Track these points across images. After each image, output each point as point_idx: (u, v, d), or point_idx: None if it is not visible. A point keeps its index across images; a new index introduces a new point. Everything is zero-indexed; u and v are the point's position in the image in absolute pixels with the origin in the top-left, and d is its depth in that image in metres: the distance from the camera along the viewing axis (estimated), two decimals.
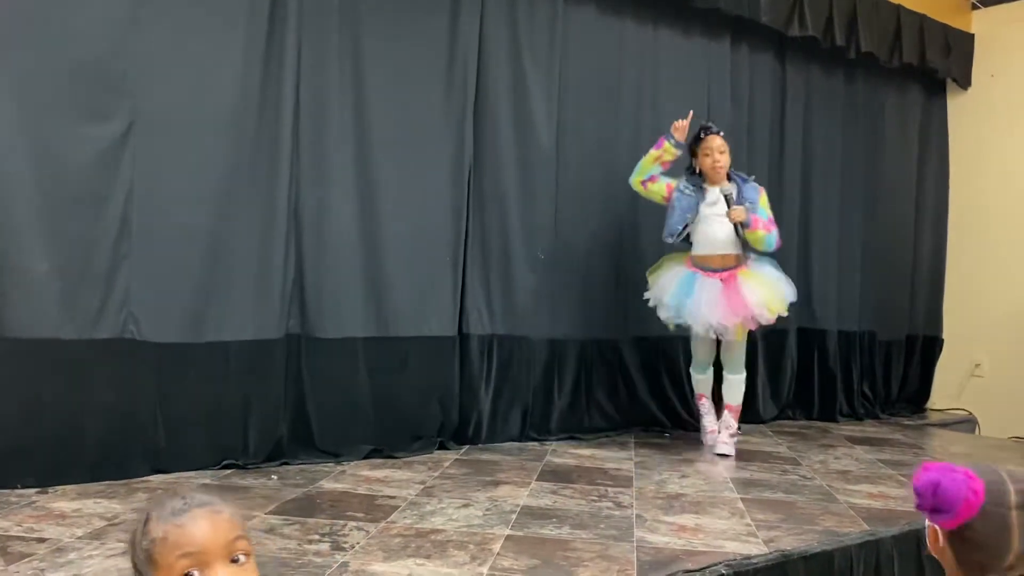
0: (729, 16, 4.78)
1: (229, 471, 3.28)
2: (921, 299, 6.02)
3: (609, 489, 3.31)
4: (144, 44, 3.12)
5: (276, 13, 3.43)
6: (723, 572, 2.39)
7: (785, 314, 4.07)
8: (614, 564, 2.39)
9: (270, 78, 3.43)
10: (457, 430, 3.98)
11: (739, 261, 3.99)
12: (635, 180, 4.08)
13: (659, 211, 4.17)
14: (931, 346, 6.06)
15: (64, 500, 2.78)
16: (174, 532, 1.10)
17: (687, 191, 4.02)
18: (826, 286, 5.42)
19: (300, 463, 3.44)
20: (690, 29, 4.78)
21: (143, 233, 3.14)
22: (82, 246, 3.03)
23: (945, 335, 6.10)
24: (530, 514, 2.88)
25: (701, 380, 4.25)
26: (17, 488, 2.85)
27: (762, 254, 4.05)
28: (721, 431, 4.13)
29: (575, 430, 4.32)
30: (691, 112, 4.03)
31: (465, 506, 2.94)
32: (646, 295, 4.13)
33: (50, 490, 2.88)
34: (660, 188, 4.06)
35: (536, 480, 3.39)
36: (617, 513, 2.96)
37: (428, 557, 2.37)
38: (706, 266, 3.98)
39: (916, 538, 2.88)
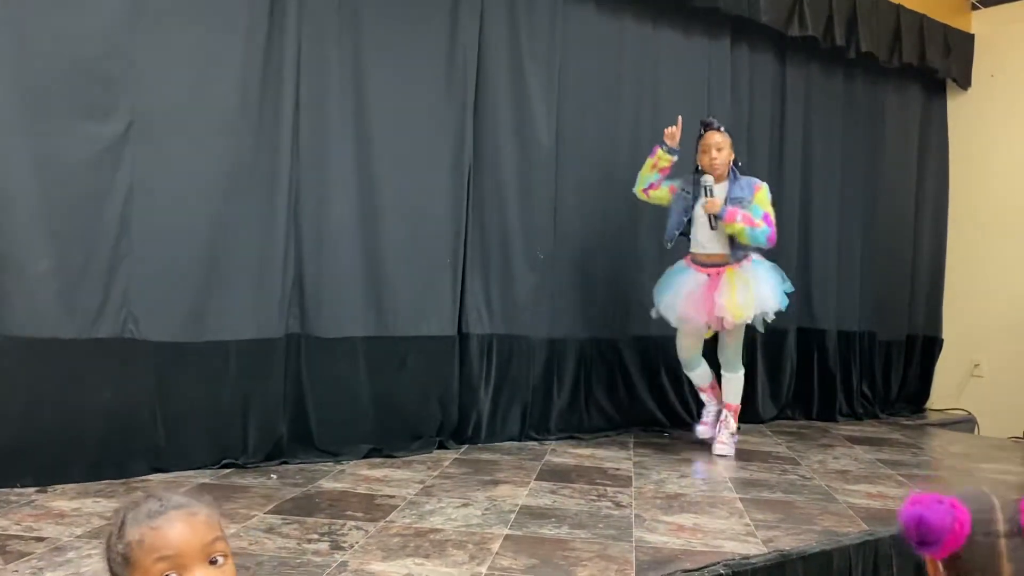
0: (729, 16, 4.79)
1: (228, 470, 3.28)
2: (921, 299, 6.02)
3: (608, 489, 3.31)
4: (144, 43, 3.12)
5: (276, 13, 3.43)
6: (722, 572, 2.39)
7: (750, 320, 3.94)
8: (613, 564, 2.39)
9: (270, 78, 3.43)
10: (456, 429, 3.98)
11: (728, 259, 3.92)
12: (637, 190, 4.07)
13: (658, 210, 4.18)
14: (931, 346, 6.06)
15: (63, 499, 2.78)
16: (150, 535, 1.09)
17: (685, 192, 3.99)
18: (826, 286, 5.42)
19: (299, 462, 3.44)
20: (690, 29, 4.78)
21: (142, 232, 3.14)
22: (82, 245, 3.03)
23: (945, 335, 6.10)
24: (529, 514, 2.88)
25: (696, 375, 4.21)
26: (16, 487, 2.85)
27: (757, 250, 3.98)
28: (721, 431, 4.11)
29: (574, 430, 4.32)
30: (680, 118, 3.98)
31: (464, 506, 2.94)
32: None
33: (49, 489, 2.88)
34: (662, 193, 4.04)
35: (535, 480, 3.39)
36: (616, 513, 2.96)
37: (427, 556, 2.38)
38: (698, 262, 3.98)
39: None
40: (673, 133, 3.96)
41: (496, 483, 3.30)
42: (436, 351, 3.89)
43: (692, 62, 4.79)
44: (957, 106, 6.16)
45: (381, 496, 3.02)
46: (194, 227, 3.27)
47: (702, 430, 4.19)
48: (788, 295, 4.02)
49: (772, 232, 3.91)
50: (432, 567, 2.30)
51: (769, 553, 2.54)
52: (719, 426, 4.15)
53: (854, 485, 3.54)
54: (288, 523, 2.64)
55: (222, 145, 3.33)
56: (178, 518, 1.11)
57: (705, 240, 3.95)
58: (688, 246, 4.06)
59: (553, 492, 3.21)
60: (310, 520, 2.68)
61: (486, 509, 2.91)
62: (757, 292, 3.90)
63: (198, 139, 3.26)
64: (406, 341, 3.79)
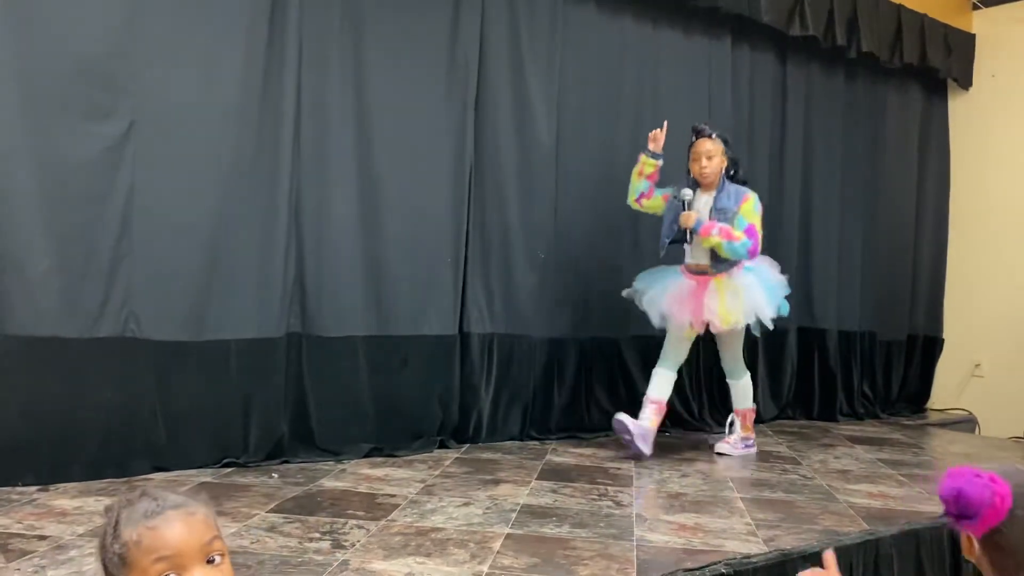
0: (730, 15, 4.79)
1: (229, 469, 3.28)
2: (921, 299, 6.02)
3: (609, 488, 3.31)
4: (145, 43, 3.12)
5: (277, 13, 3.43)
6: (723, 571, 2.39)
7: (742, 325, 3.85)
8: (614, 563, 2.39)
9: (271, 77, 3.43)
10: (457, 429, 3.98)
11: (714, 270, 3.83)
12: (630, 200, 3.98)
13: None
14: (931, 346, 6.06)
15: (65, 498, 2.79)
16: (148, 535, 1.08)
17: (676, 200, 3.88)
18: (826, 286, 5.42)
19: (300, 461, 3.44)
20: (691, 28, 4.78)
21: (144, 231, 3.15)
22: (83, 244, 3.04)
23: (945, 335, 6.11)
24: (530, 513, 2.88)
25: (657, 374, 3.96)
26: (18, 486, 2.85)
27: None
28: (730, 435, 4.10)
29: (575, 429, 4.32)
30: (665, 123, 3.93)
31: (465, 504, 2.94)
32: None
33: (51, 488, 2.88)
34: (656, 203, 3.96)
35: (536, 479, 3.39)
36: (617, 512, 2.96)
37: (428, 555, 2.38)
38: (689, 270, 3.92)
39: (915, 538, 2.89)
40: (656, 136, 3.88)
41: (497, 482, 3.30)
42: (437, 350, 3.89)
43: (693, 62, 4.79)
44: (958, 106, 6.16)
45: (382, 495, 3.02)
46: (195, 226, 3.27)
47: (624, 416, 3.85)
48: (787, 297, 3.93)
49: (754, 245, 3.77)
50: (433, 566, 2.30)
51: (770, 552, 2.54)
52: (730, 431, 4.11)
53: (855, 485, 3.54)
54: (289, 522, 2.64)
55: (223, 144, 3.33)
56: (176, 518, 1.10)
57: (692, 251, 3.89)
58: (683, 255, 4.00)
59: (554, 491, 3.21)
60: (311, 519, 2.68)
61: (487, 508, 2.91)
62: (748, 299, 3.81)
63: (199, 138, 3.26)
64: (407, 340, 3.80)
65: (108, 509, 1.13)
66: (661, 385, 3.95)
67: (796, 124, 5.30)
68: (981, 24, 6.15)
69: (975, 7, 6.15)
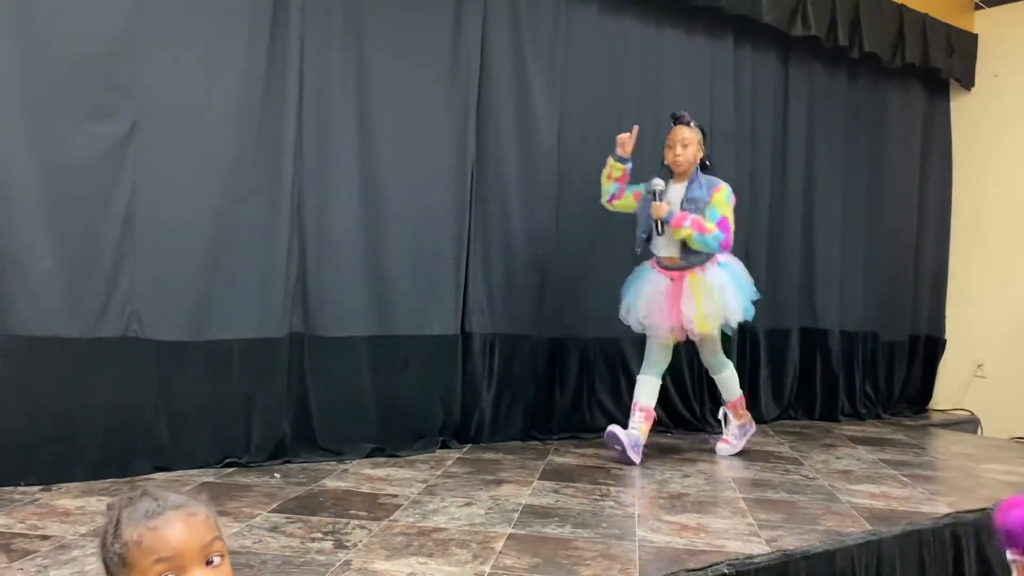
0: (732, 16, 4.79)
1: (231, 469, 3.29)
2: (924, 299, 6.02)
3: (611, 488, 3.31)
4: (148, 42, 3.13)
5: (279, 13, 3.44)
6: (725, 571, 2.39)
7: (716, 331, 3.82)
8: (616, 563, 2.39)
9: (273, 77, 3.43)
10: (459, 429, 3.98)
11: (686, 262, 3.75)
12: (603, 201, 3.93)
13: None
14: (934, 346, 6.05)
15: (67, 498, 2.79)
16: (148, 536, 1.08)
17: (649, 195, 3.79)
18: (828, 286, 5.42)
19: (302, 461, 3.44)
20: (692, 28, 4.78)
21: (146, 231, 3.15)
22: (85, 244, 3.04)
23: (948, 335, 6.10)
24: (532, 513, 2.88)
25: (643, 381, 3.88)
26: (20, 485, 2.86)
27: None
28: (726, 431, 4.10)
29: (577, 429, 4.32)
30: (635, 127, 3.87)
31: (467, 505, 2.94)
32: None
33: (53, 488, 2.89)
34: (628, 202, 3.88)
35: (538, 479, 3.39)
36: (619, 512, 2.96)
37: (430, 555, 2.38)
38: (661, 265, 3.83)
39: (918, 538, 2.89)
40: (623, 141, 3.81)
41: (499, 482, 3.30)
42: (439, 350, 3.90)
43: (695, 62, 4.79)
44: (960, 106, 6.16)
45: (384, 495, 3.03)
46: (198, 226, 3.27)
47: (616, 428, 3.77)
48: (755, 302, 3.83)
49: (726, 238, 3.69)
50: (436, 566, 2.30)
51: (772, 553, 2.54)
52: (726, 426, 4.11)
53: (857, 485, 3.54)
54: (292, 522, 2.64)
55: (226, 145, 3.33)
56: (176, 519, 1.10)
57: (663, 243, 3.79)
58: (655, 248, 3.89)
59: (556, 491, 3.21)
60: (314, 519, 2.68)
61: (489, 508, 2.91)
62: (721, 300, 3.74)
63: (202, 139, 3.27)
64: (409, 340, 3.80)
65: (109, 508, 1.14)
66: (648, 392, 3.87)
67: (798, 124, 5.30)
68: (983, 24, 6.14)
69: (977, 7, 6.14)
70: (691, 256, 3.75)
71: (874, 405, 5.62)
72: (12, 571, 2.13)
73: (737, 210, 5.08)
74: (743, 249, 4.98)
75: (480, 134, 4.02)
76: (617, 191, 3.89)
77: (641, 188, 3.88)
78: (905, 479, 3.71)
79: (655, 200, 3.73)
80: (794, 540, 2.67)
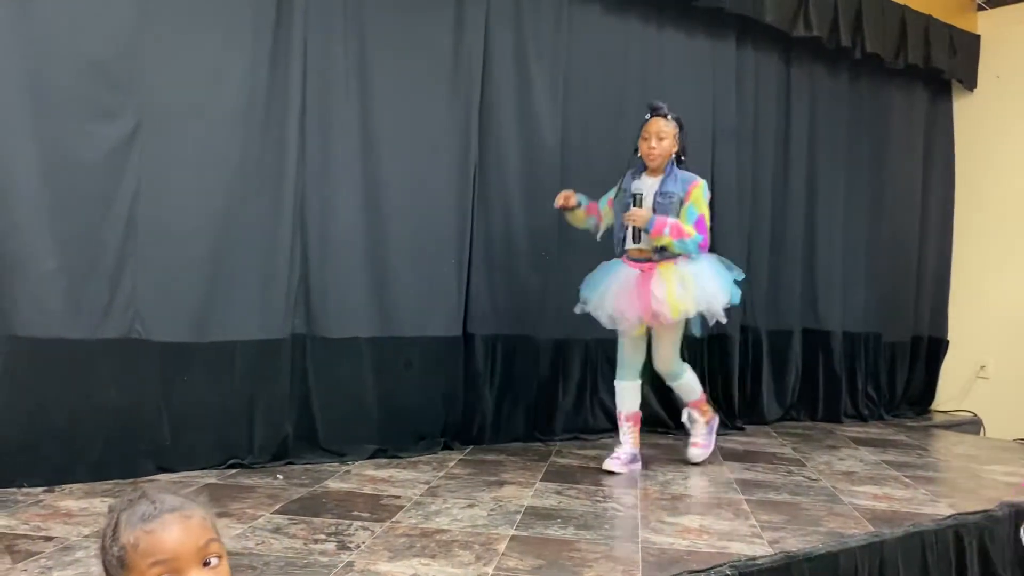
0: (734, 16, 4.78)
1: (234, 470, 3.29)
2: (926, 300, 6.01)
3: (614, 490, 3.31)
4: (151, 44, 3.13)
5: (282, 14, 3.44)
6: (728, 573, 2.39)
7: (692, 313, 3.56)
8: (619, 565, 2.39)
9: (276, 78, 3.44)
10: (461, 430, 3.98)
11: (658, 257, 3.57)
12: (597, 237, 3.81)
13: None
14: (936, 347, 6.05)
15: (71, 499, 2.79)
16: (145, 539, 1.09)
17: (627, 195, 3.63)
18: (831, 287, 5.42)
19: (305, 463, 3.44)
20: (695, 29, 4.78)
21: (149, 232, 3.15)
22: (88, 245, 3.04)
23: (950, 337, 6.09)
24: (535, 514, 2.88)
25: (623, 388, 3.73)
26: (24, 487, 2.86)
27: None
28: (693, 433, 3.86)
29: (579, 430, 4.32)
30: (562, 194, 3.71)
31: (470, 506, 2.94)
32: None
33: (56, 489, 2.89)
34: (609, 218, 3.74)
35: (541, 480, 3.39)
36: (622, 514, 2.96)
37: (433, 557, 2.38)
38: (632, 258, 3.64)
39: (920, 540, 2.89)
40: (565, 199, 3.69)
41: (501, 484, 3.30)
42: (441, 351, 3.90)
43: (697, 63, 4.79)
44: (963, 107, 6.15)
45: (387, 496, 3.03)
46: (200, 228, 3.28)
47: (611, 463, 3.62)
48: (738, 283, 3.64)
49: (704, 239, 3.56)
50: (438, 567, 2.30)
51: (775, 554, 2.54)
52: (692, 428, 3.87)
53: (859, 486, 3.54)
54: (295, 523, 2.64)
55: (228, 146, 3.33)
56: (173, 521, 1.11)
57: (640, 235, 3.60)
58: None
59: (559, 493, 3.21)
60: (316, 520, 2.69)
61: (492, 510, 2.91)
62: (699, 286, 3.53)
63: (205, 140, 3.27)
64: (411, 341, 3.80)
65: (110, 511, 1.15)
66: (630, 398, 3.74)
67: (800, 125, 5.29)
68: (986, 25, 6.14)
69: (980, 8, 6.14)
70: (664, 250, 3.58)
71: (876, 406, 5.61)
72: (16, 572, 2.13)
73: (739, 211, 5.09)
74: (745, 249, 5.00)
75: (482, 134, 4.02)
76: (596, 221, 3.78)
77: (611, 193, 3.76)
78: (908, 480, 3.70)
79: (634, 205, 3.57)
80: (797, 542, 2.67)
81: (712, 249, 4.70)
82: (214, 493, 2.89)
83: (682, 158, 3.68)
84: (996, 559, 3.06)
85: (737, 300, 3.69)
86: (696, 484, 3.47)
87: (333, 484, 3.18)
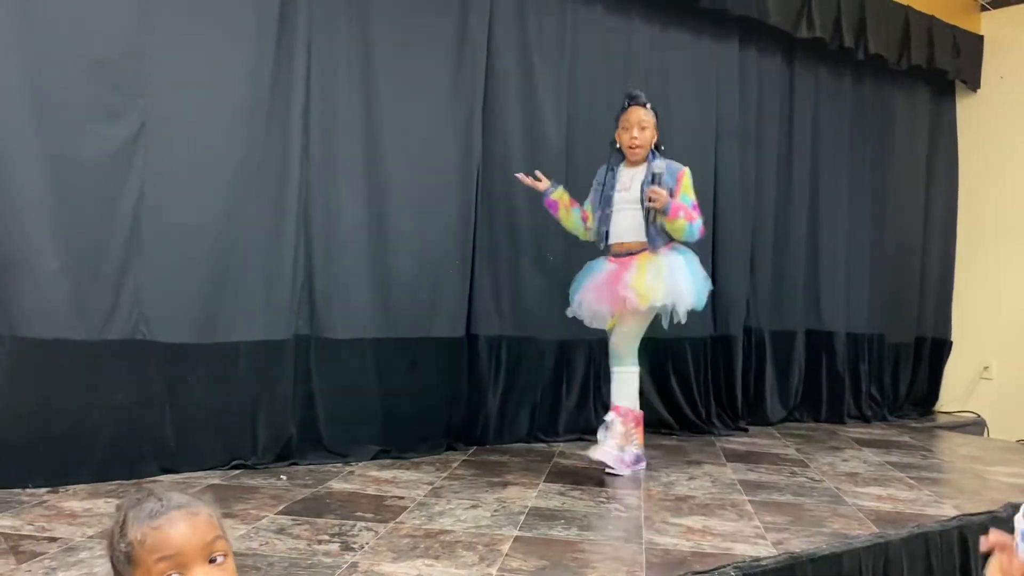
0: (737, 17, 4.78)
1: (238, 471, 3.29)
2: (930, 301, 6.01)
3: (617, 491, 3.31)
4: (156, 45, 3.14)
5: (286, 15, 3.44)
6: (732, 574, 2.39)
7: (657, 305, 3.43)
8: (623, 566, 2.39)
9: (280, 79, 3.44)
10: (465, 431, 3.98)
11: (643, 247, 3.49)
12: (592, 238, 3.72)
13: None
14: (940, 348, 6.04)
15: (75, 500, 2.80)
16: (152, 535, 1.11)
17: (598, 186, 3.60)
18: (834, 288, 5.42)
19: (309, 463, 3.45)
20: (698, 30, 4.78)
21: (153, 233, 3.16)
22: (93, 246, 3.05)
23: (954, 337, 6.09)
24: (538, 515, 2.88)
25: (616, 374, 3.59)
26: (28, 487, 2.86)
27: (683, 243, 3.56)
28: (607, 439, 3.49)
29: (583, 431, 4.31)
30: (519, 176, 3.73)
31: (473, 507, 2.94)
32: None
33: (60, 489, 2.89)
34: (576, 219, 3.69)
35: (544, 481, 3.39)
36: (625, 515, 2.96)
37: (437, 558, 2.38)
38: (615, 254, 3.57)
39: (925, 541, 2.89)
40: (533, 181, 3.68)
41: (505, 484, 3.30)
42: (445, 352, 3.90)
43: (700, 63, 4.79)
44: (966, 108, 6.15)
45: (390, 497, 3.03)
46: (204, 229, 3.28)
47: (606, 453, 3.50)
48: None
49: (701, 225, 3.49)
50: (442, 568, 2.30)
51: (779, 555, 2.54)
52: (607, 434, 3.51)
53: (863, 488, 3.53)
54: (298, 524, 2.64)
55: (232, 147, 3.34)
56: (179, 518, 1.13)
57: (622, 231, 3.52)
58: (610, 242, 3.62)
59: (562, 494, 3.21)
60: (320, 521, 2.69)
61: (495, 510, 2.91)
62: (671, 278, 3.41)
63: (209, 141, 3.28)
64: (415, 342, 3.80)
65: (118, 508, 1.17)
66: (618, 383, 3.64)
67: (804, 126, 5.29)
68: (989, 26, 6.13)
69: (983, 8, 6.14)
70: (655, 240, 3.48)
71: (880, 407, 5.61)
72: (20, 573, 2.13)
73: (742, 212, 5.09)
74: (748, 250, 5.00)
75: (486, 134, 4.02)
76: (580, 216, 3.70)
77: (590, 195, 3.70)
78: (912, 481, 3.70)
79: (653, 183, 3.41)
80: (801, 543, 2.67)
81: (714, 250, 4.79)
82: (218, 494, 2.89)
83: (661, 148, 3.59)
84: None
85: (701, 307, 3.57)
86: (699, 485, 3.46)
87: (337, 485, 3.18)
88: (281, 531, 2.56)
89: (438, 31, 3.87)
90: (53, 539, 2.39)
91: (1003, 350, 5.84)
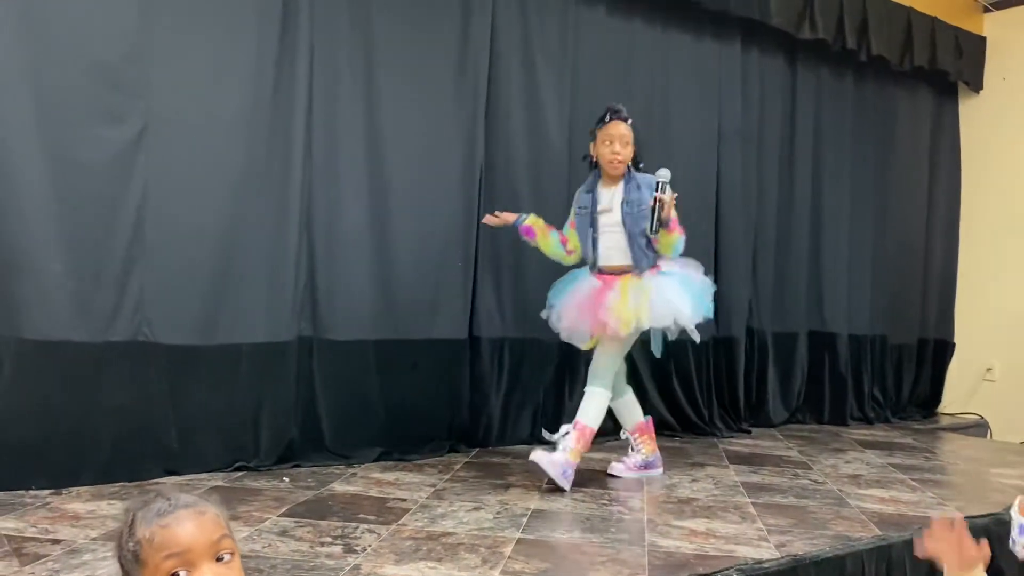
0: (739, 18, 4.78)
1: (241, 473, 3.29)
2: (932, 302, 6.00)
3: (620, 493, 3.31)
4: (158, 47, 3.14)
5: (288, 16, 3.45)
6: None
7: (645, 327, 3.37)
8: (625, 568, 2.39)
9: (282, 81, 3.44)
10: (467, 433, 3.98)
11: (630, 269, 3.40)
12: (573, 260, 3.63)
13: None
14: (942, 350, 6.04)
15: (78, 501, 2.80)
16: (160, 533, 1.12)
17: (581, 210, 3.50)
18: (837, 290, 5.42)
19: (311, 465, 3.45)
20: (700, 31, 4.78)
21: (156, 235, 3.16)
22: (96, 248, 3.05)
23: (956, 339, 6.09)
24: (541, 517, 2.88)
25: (618, 407, 3.59)
26: (31, 489, 2.87)
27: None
28: (558, 451, 3.28)
29: None
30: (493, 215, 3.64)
31: (476, 509, 2.94)
32: None
33: (64, 491, 2.89)
34: (572, 238, 3.56)
35: (546, 483, 3.38)
36: (628, 517, 2.96)
37: (439, 560, 2.38)
38: (602, 272, 3.48)
39: None
40: (498, 222, 3.60)
41: (507, 486, 3.30)
42: (447, 354, 3.90)
43: (702, 65, 4.79)
44: (969, 109, 6.14)
45: (393, 499, 3.03)
46: (207, 231, 3.28)
47: (617, 467, 3.58)
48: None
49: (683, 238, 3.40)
50: (445, 571, 2.30)
51: (782, 558, 2.54)
52: (560, 443, 3.30)
53: (866, 489, 3.53)
54: (301, 526, 2.64)
55: (235, 149, 3.34)
56: (186, 517, 1.14)
57: (606, 254, 3.44)
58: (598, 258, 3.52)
59: (565, 496, 3.20)
60: (323, 523, 2.69)
61: (498, 513, 2.91)
62: (660, 300, 3.31)
63: (211, 142, 3.28)
64: (417, 344, 3.80)
65: (126, 510, 1.18)
66: (633, 410, 3.66)
67: (806, 127, 5.29)
68: (991, 27, 6.13)
69: (985, 10, 6.13)
70: (642, 261, 3.39)
71: (883, 409, 5.61)
72: (23, 575, 2.13)
73: (744, 214, 5.08)
74: (750, 251, 4.99)
75: (489, 137, 4.02)
76: (559, 240, 3.59)
77: (570, 216, 3.60)
78: (914, 483, 3.70)
79: (659, 191, 3.24)
80: (804, 545, 2.67)
81: (717, 251, 4.78)
82: (221, 496, 2.89)
83: (640, 164, 3.47)
84: (1004, 562, 3.05)
85: (710, 315, 3.49)
86: (702, 487, 3.46)
87: (339, 487, 3.18)
88: (284, 533, 2.56)
89: (440, 31, 3.88)
90: (56, 541, 2.39)
91: (1006, 351, 5.83)
